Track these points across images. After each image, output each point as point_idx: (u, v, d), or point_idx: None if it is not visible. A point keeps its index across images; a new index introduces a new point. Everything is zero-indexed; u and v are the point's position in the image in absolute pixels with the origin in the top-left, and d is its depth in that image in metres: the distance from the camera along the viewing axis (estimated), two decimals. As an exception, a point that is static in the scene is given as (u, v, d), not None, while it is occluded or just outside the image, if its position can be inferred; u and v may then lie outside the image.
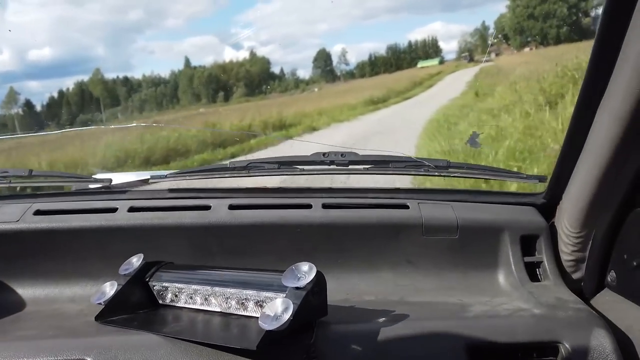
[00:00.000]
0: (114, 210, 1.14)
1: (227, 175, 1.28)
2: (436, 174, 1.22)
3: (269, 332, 0.73)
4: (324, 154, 1.27)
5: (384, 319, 0.90)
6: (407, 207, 1.16)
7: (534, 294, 1.01)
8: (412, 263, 1.13)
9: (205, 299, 0.91)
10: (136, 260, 0.97)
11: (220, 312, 0.89)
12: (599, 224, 0.98)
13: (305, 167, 1.28)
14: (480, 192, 1.25)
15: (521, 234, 1.12)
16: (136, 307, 0.94)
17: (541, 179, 1.17)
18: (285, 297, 0.77)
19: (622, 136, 0.81)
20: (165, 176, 1.30)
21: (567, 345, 0.85)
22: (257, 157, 1.28)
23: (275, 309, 0.75)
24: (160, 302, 0.97)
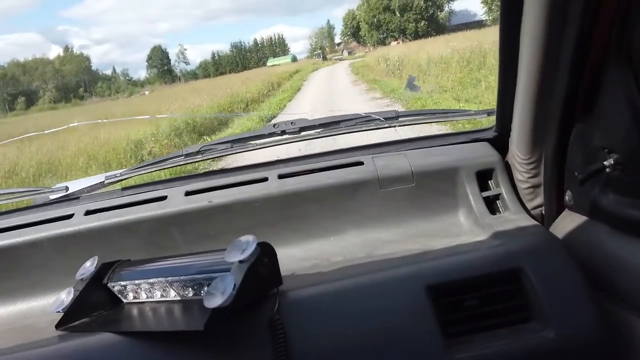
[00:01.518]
0: (70, 216, 1.13)
1: (181, 163, 1.27)
2: (386, 125, 1.21)
3: (214, 310, 0.72)
4: (274, 125, 1.26)
5: (348, 276, 0.90)
6: (361, 163, 1.16)
7: (494, 227, 1.01)
8: (374, 217, 1.13)
9: (164, 290, 0.91)
10: (90, 264, 0.96)
11: (180, 300, 0.89)
12: (547, 147, 0.98)
13: (258, 142, 1.27)
14: (432, 136, 1.24)
15: (476, 170, 1.12)
16: (99, 309, 0.94)
17: (489, 112, 1.17)
18: (230, 272, 0.77)
19: (544, 55, 0.80)
20: (120, 174, 1.29)
21: (527, 271, 0.85)
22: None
23: (218, 286, 0.75)
24: (125, 300, 0.96)
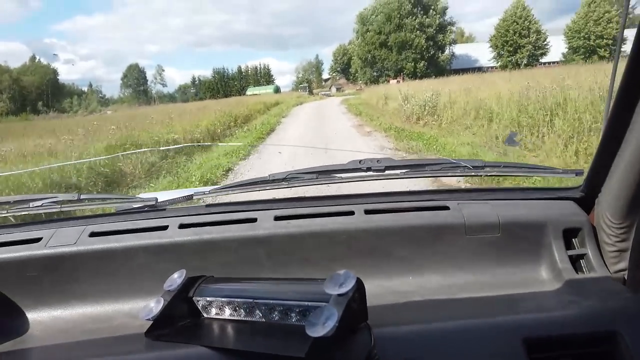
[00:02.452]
0: (164, 227, 1.19)
1: (267, 188, 1.32)
2: (472, 174, 1.23)
3: (316, 339, 0.75)
4: (360, 161, 1.30)
5: (436, 318, 0.91)
6: (447, 208, 1.18)
7: (580, 286, 1.02)
8: (455, 262, 1.14)
9: (249, 311, 0.93)
10: (178, 276, 1.00)
11: (264, 322, 0.91)
12: None
13: (343, 175, 1.31)
14: (517, 189, 1.26)
15: (564, 228, 1.12)
16: (182, 321, 0.98)
17: (578, 172, 1.18)
18: (329, 304, 0.80)
19: None
20: (209, 192, 1.35)
21: (623, 335, 0.85)
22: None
23: (320, 316, 0.77)
24: (205, 315, 1.00)
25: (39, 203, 1.31)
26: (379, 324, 0.88)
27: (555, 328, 0.86)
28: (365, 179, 1.29)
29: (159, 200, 1.36)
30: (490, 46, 54.83)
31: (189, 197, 1.36)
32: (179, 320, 0.97)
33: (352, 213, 1.19)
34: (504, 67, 48.86)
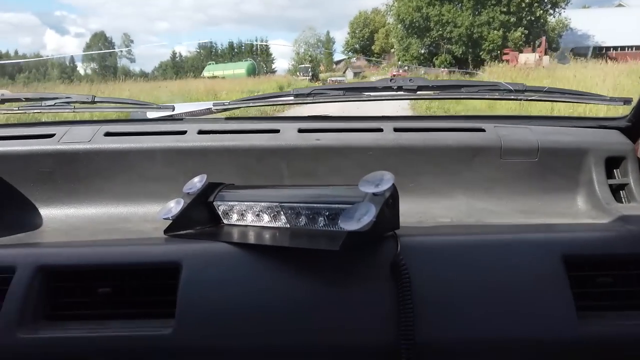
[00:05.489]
0: (183, 132, 1.13)
1: (290, 102, 1.25)
2: (512, 97, 1.16)
3: (351, 233, 0.70)
4: (390, 79, 1.22)
5: (469, 233, 0.86)
6: (483, 130, 1.11)
7: (621, 214, 0.96)
8: (487, 186, 1.08)
9: (274, 216, 0.88)
10: (199, 181, 0.95)
11: (289, 227, 0.86)
12: None
13: (372, 94, 1.24)
14: (559, 117, 1.18)
15: (606, 156, 1.06)
16: (202, 225, 0.93)
17: (626, 100, 1.10)
18: (365, 201, 0.74)
19: None
20: (228, 104, 1.28)
21: None
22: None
23: (355, 211, 0.72)
24: (225, 221, 0.95)
25: (51, 102, 1.25)
26: (413, 234, 0.83)
27: (595, 247, 0.81)
28: (395, 98, 1.22)
29: (176, 110, 1.30)
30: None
31: (208, 109, 1.30)
32: (198, 224, 0.93)
33: (380, 130, 1.13)
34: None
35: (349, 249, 0.70)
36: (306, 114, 1.32)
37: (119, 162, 1.10)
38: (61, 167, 1.09)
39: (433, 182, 1.09)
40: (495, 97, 1.17)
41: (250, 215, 0.91)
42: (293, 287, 0.74)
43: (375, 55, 46.71)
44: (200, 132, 1.14)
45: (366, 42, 51.79)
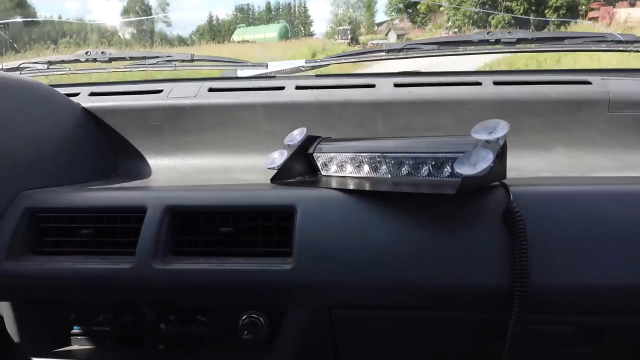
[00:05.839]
0: (281, 88, 1.16)
1: (383, 58, 1.25)
2: (620, 48, 1.10)
3: (465, 178, 0.70)
4: (488, 32, 1.19)
5: (577, 184, 0.84)
6: (589, 83, 1.06)
7: None
8: (594, 143, 1.04)
9: (374, 167, 0.89)
10: (298, 133, 0.98)
11: (391, 178, 0.86)
12: None
13: (468, 48, 1.21)
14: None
15: None
16: (301, 176, 0.96)
17: None
18: (479, 148, 0.74)
19: None
20: (320, 60, 1.30)
21: None
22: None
23: (470, 157, 0.72)
24: (324, 173, 0.98)
25: (154, 61, 1.32)
26: (514, 185, 0.82)
27: None
28: (494, 51, 1.19)
29: (269, 68, 1.33)
30: None
31: (301, 66, 1.32)
32: (299, 174, 0.96)
33: (479, 84, 1.11)
34: None
35: (461, 195, 0.71)
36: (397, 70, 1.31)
37: (222, 116, 1.15)
38: (169, 120, 1.16)
39: (534, 136, 1.07)
40: (602, 48, 1.11)
41: (349, 167, 0.93)
42: (405, 230, 0.75)
43: (421, 15, 41.92)
44: (298, 87, 1.16)
45: (410, 1, 47.75)
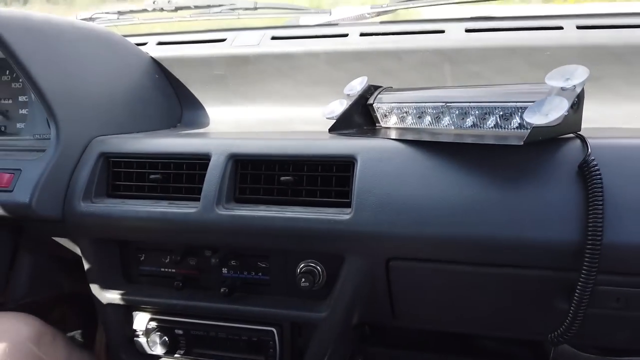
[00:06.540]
0: (345, 35, 1.13)
1: (455, 2, 1.18)
2: None
3: (536, 128, 0.66)
4: None
5: None
6: None
7: None
8: None
9: (436, 118, 0.85)
10: (359, 83, 0.96)
11: (454, 130, 0.83)
12: None
13: None
14: None
15: None
16: (360, 127, 0.95)
17: None
18: (553, 95, 0.69)
19: None
20: (387, 5, 1.24)
21: None
22: None
23: (542, 106, 0.67)
24: (383, 124, 0.95)
25: (218, 9, 1.31)
26: (591, 137, 0.76)
27: None
28: None
29: (332, 15, 1.29)
30: None
31: (366, 13, 1.27)
32: (358, 125, 0.95)
33: (560, 28, 1.02)
34: None
35: (530, 146, 0.67)
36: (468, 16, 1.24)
37: (285, 64, 1.14)
38: (232, 69, 1.16)
39: (617, 85, 0.98)
40: None
41: (410, 118, 0.90)
42: (468, 182, 0.73)
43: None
44: (362, 34, 1.13)
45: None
